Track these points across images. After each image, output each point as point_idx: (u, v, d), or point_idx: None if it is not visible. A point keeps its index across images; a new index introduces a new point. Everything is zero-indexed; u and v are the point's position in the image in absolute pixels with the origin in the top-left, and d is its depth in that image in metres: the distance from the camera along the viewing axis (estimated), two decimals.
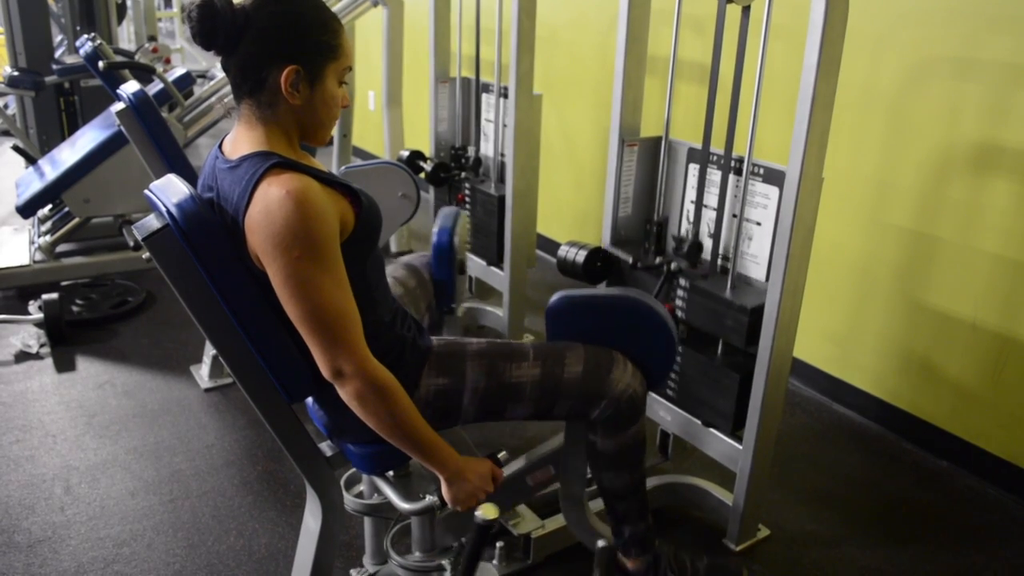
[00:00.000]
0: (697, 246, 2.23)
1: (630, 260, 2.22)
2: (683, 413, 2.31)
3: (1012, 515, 2.44)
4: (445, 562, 1.79)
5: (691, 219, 2.25)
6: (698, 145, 2.22)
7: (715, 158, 2.18)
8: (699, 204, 2.23)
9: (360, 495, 1.98)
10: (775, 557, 2.23)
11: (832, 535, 2.32)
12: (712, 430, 2.25)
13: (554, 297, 1.73)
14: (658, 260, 2.25)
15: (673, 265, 2.19)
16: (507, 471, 1.86)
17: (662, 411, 2.37)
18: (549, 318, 1.75)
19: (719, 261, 2.20)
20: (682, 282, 2.20)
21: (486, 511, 1.52)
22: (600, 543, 1.92)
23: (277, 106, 1.42)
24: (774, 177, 2.02)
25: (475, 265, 3.47)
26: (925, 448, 2.74)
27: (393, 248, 4.59)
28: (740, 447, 2.16)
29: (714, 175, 2.19)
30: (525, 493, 1.92)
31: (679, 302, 2.22)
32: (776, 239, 1.95)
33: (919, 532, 2.35)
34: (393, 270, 2.00)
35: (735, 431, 2.18)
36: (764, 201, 2.05)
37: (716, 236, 2.19)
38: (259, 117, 1.43)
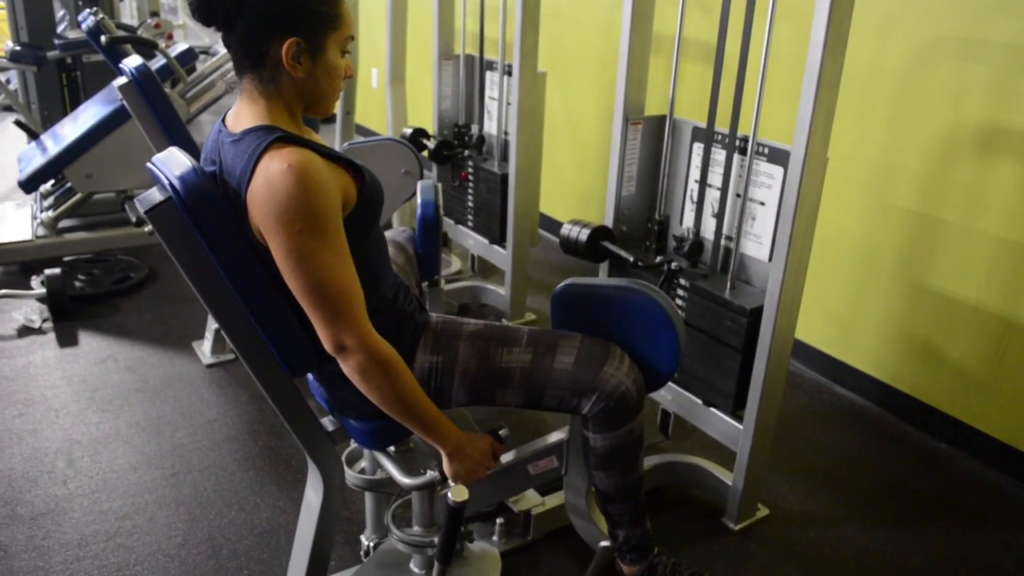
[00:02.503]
0: (698, 245, 2.23)
1: (631, 259, 2.21)
2: (684, 392, 2.32)
3: (1011, 498, 2.44)
4: (437, 539, 1.80)
5: (695, 200, 2.25)
6: (703, 124, 2.21)
7: (719, 137, 2.17)
8: (703, 183, 2.22)
9: (361, 470, 1.99)
10: (774, 536, 2.24)
11: (831, 515, 2.33)
12: (713, 409, 2.25)
13: (561, 285, 1.72)
14: (659, 259, 2.25)
15: (674, 264, 2.19)
16: (510, 460, 1.87)
17: (663, 390, 2.38)
18: (555, 305, 1.73)
19: (722, 242, 2.20)
20: (682, 281, 2.20)
21: (456, 493, 1.51)
22: (602, 543, 1.89)
23: (279, 80, 1.41)
24: (779, 157, 2.01)
25: (477, 244, 3.47)
26: (925, 430, 2.75)
27: (395, 225, 4.59)
28: (740, 427, 2.17)
29: (718, 154, 2.18)
30: (528, 481, 1.92)
31: (679, 301, 2.22)
32: (780, 219, 1.95)
33: (918, 514, 2.36)
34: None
35: (736, 411, 2.18)
36: (768, 181, 2.05)
37: (719, 216, 2.18)
38: (261, 91, 1.42)
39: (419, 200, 2.08)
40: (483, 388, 1.64)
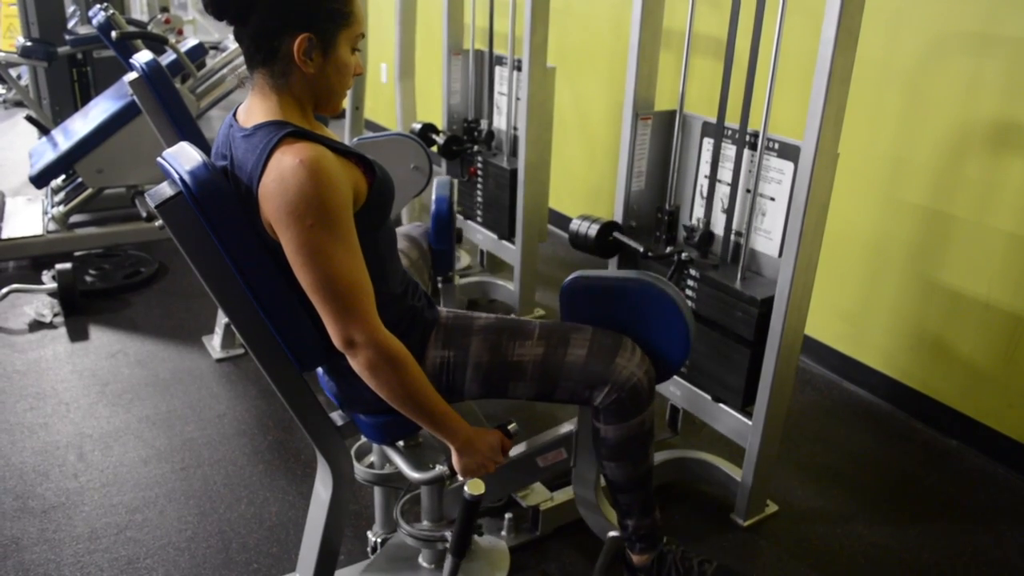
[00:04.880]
0: (708, 235, 2.23)
1: (641, 249, 2.21)
2: (693, 388, 2.31)
3: (1021, 495, 2.43)
4: (448, 533, 1.81)
5: (704, 196, 2.24)
6: (713, 119, 2.20)
7: (730, 132, 2.17)
8: (713, 179, 2.21)
9: (370, 465, 2.00)
10: (783, 533, 2.24)
11: (840, 512, 2.33)
12: (722, 405, 2.25)
13: (570, 277, 1.72)
14: (669, 249, 2.24)
15: (684, 255, 2.18)
16: (519, 452, 1.87)
17: (672, 386, 2.38)
18: (563, 298, 1.73)
19: (732, 237, 2.19)
20: (692, 272, 2.20)
21: (473, 487, 1.52)
22: (611, 533, 1.90)
23: (290, 75, 1.41)
24: (789, 152, 2.00)
25: (486, 239, 3.47)
26: (935, 427, 2.74)
27: (404, 220, 4.59)
28: (750, 423, 2.16)
29: (728, 150, 2.17)
30: (536, 473, 1.92)
31: (689, 292, 2.22)
32: (790, 215, 1.94)
33: (927, 511, 2.35)
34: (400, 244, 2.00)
35: (745, 407, 2.18)
36: (778, 176, 2.04)
37: (729, 212, 2.17)
38: (272, 86, 1.42)
39: (434, 196, 2.08)
40: (495, 381, 1.64)
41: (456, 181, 2.19)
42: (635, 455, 1.72)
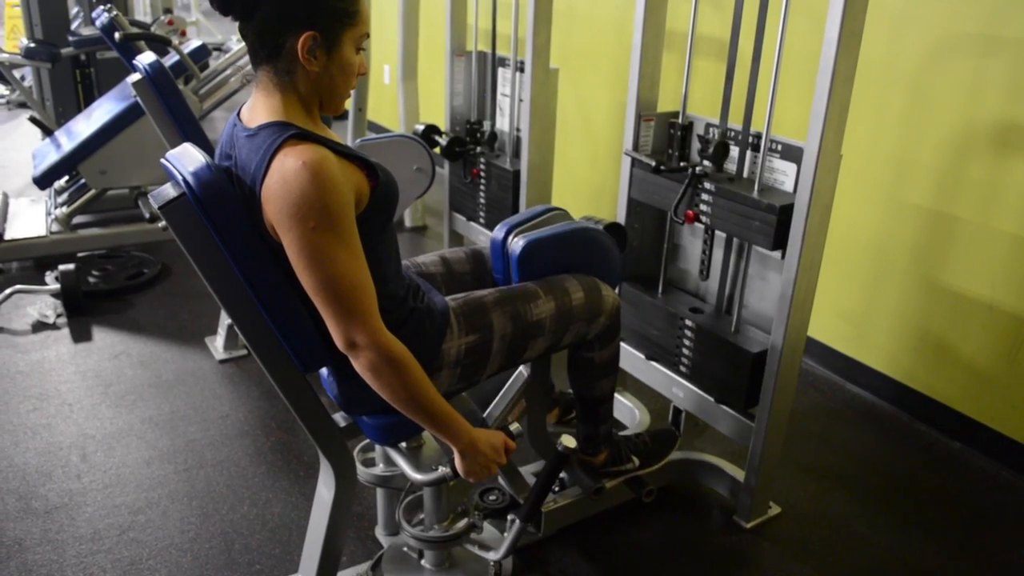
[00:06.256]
0: (723, 147, 2.16)
1: (653, 164, 2.19)
2: (696, 390, 2.31)
3: None
4: (475, 520, 1.87)
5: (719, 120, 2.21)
6: (716, 120, 2.20)
7: (733, 133, 2.17)
8: None
9: (373, 466, 1.99)
10: (785, 534, 2.23)
11: (843, 514, 2.33)
12: (724, 407, 2.24)
13: (520, 241, 1.79)
14: (682, 164, 2.22)
15: (698, 169, 2.15)
16: (491, 415, 1.86)
17: (675, 387, 2.37)
18: (522, 261, 1.80)
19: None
20: (707, 185, 2.16)
21: (567, 440, 1.69)
22: (561, 447, 1.79)
23: (294, 73, 1.41)
24: (792, 153, 2.00)
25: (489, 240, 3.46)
26: (938, 429, 2.73)
27: (407, 223, 4.59)
28: (752, 424, 2.16)
29: (731, 151, 2.17)
30: (508, 434, 1.90)
31: (703, 207, 2.18)
32: (793, 216, 1.94)
33: (930, 513, 2.35)
34: (452, 251, 1.95)
35: (748, 408, 2.18)
36: (782, 178, 2.04)
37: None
38: (276, 84, 1.43)
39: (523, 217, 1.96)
40: (518, 346, 1.73)
41: (564, 212, 1.99)
42: (616, 364, 2.00)
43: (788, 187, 2.02)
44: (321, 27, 1.38)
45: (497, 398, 1.85)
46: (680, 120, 2.27)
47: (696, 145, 2.26)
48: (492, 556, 1.87)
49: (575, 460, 2.08)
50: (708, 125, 2.22)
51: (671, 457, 2.23)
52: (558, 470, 1.77)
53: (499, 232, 1.85)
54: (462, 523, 1.83)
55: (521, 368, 1.86)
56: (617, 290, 2.04)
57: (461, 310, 1.67)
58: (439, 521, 1.82)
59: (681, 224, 2.29)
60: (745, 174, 2.17)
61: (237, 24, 1.42)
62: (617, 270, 1.96)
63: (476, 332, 1.67)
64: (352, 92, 1.52)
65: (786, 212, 1.97)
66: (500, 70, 3.30)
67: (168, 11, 5.98)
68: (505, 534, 1.83)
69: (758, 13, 2.02)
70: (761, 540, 2.21)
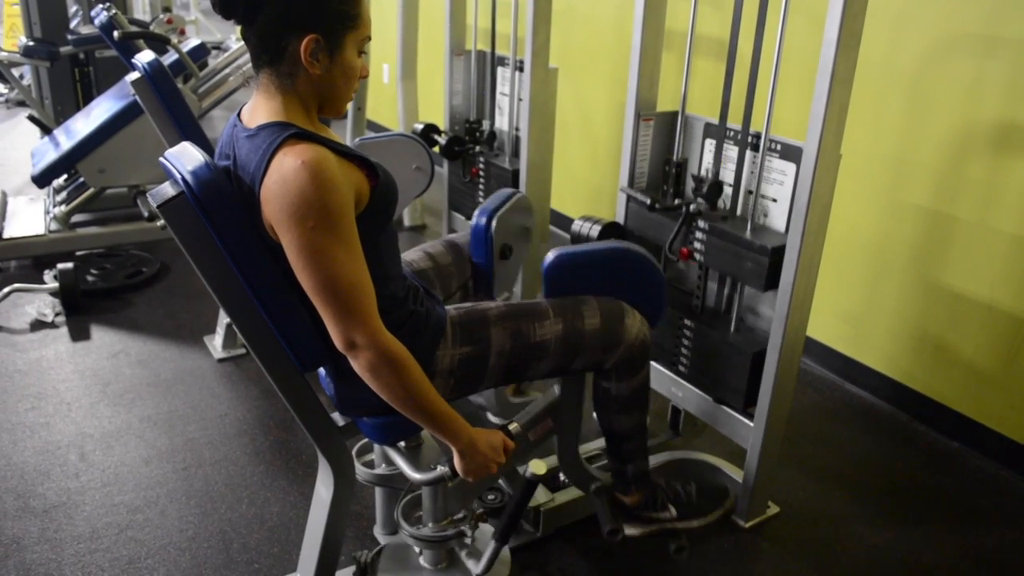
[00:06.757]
0: (717, 186, 2.18)
1: (648, 202, 2.20)
2: (695, 390, 2.31)
3: (1023, 497, 2.43)
4: (466, 528, 1.83)
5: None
6: (715, 120, 2.20)
7: (732, 133, 2.17)
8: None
9: (372, 465, 1.99)
10: (784, 534, 2.23)
11: (842, 513, 2.33)
12: (723, 407, 2.24)
13: (551, 255, 1.76)
14: (676, 202, 2.22)
15: (692, 207, 2.16)
16: (514, 427, 1.86)
17: (674, 387, 2.37)
18: (549, 275, 1.78)
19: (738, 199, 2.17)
20: (701, 224, 2.18)
21: (536, 467, 1.61)
22: (595, 485, 1.95)
23: (296, 76, 1.41)
24: (791, 153, 2.00)
25: None
26: (937, 429, 2.74)
27: (406, 222, 4.59)
28: (751, 424, 2.16)
29: (730, 151, 2.17)
30: (528, 449, 1.92)
31: (697, 244, 2.19)
32: (792, 216, 1.94)
33: (929, 513, 2.35)
34: (431, 245, 1.99)
35: (746, 408, 2.17)
36: (781, 178, 2.04)
37: (732, 210, 2.17)
38: (278, 86, 1.42)
39: (489, 204, 2.04)
40: (518, 365, 1.69)
41: (521, 195, 2.11)
42: (642, 402, 1.86)
43: (788, 187, 2.02)
44: (324, 30, 1.38)
45: (522, 412, 1.85)
46: (675, 157, 2.29)
47: (691, 183, 2.28)
48: (473, 571, 1.85)
49: (605, 493, 1.97)
50: (707, 128, 2.23)
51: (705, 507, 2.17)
52: (526, 499, 1.69)
53: (480, 219, 1.95)
54: (453, 529, 1.82)
55: (554, 386, 1.86)
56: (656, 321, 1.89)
57: (459, 320, 1.66)
58: (436, 521, 1.82)
59: (676, 261, 2.28)
60: (739, 211, 2.18)
61: (238, 26, 1.42)
62: (660, 299, 1.83)
63: (471, 344, 1.65)
64: (353, 95, 1.52)
65: (778, 253, 1.99)
66: (499, 69, 3.29)
67: (167, 10, 5.98)
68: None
69: (758, 13, 2.02)
70: (760, 540, 2.21)
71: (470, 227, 2.02)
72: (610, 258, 1.80)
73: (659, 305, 1.85)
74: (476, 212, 2.02)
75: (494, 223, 1.99)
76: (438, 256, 1.98)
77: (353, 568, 1.96)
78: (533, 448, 1.93)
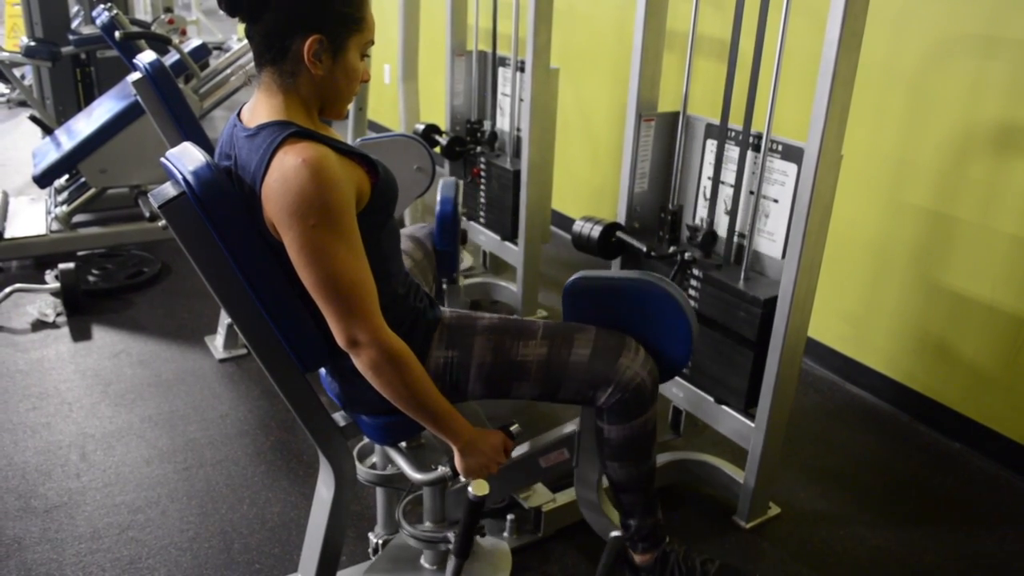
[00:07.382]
0: (711, 235, 2.22)
1: (644, 249, 2.21)
2: (696, 390, 2.31)
3: None
4: (451, 534, 1.80)
5: (708, 197, 2.24)
6: (716, 121, 2.20)
7: (733, 134, 2.17)
8: (716, 180, 2.21)
9: (373, 465, 1.99)
10: (785, 535, 2.23)
11: (843, 514, 2.32)
12: (724, 407, 2.24)
13: (572, 277, 1.71)
14: (672, 249, 2.24)
15: (687, 255, 2.18)
16: (522, 452, 1.86)
17: (675, 387, 2.37)
18: (566, 299, 1.73)
19: (735, 239, 2.19)
20: (695, 272, 2.20)
21: (477, 487, 1.51)
22: (613, 533, 1.89)
23: (298, 75, 1.41)
24: (792, 154, 2.00)
25: (489, 240, 3.47)
26: (938, 430, 2.73)
27: (407, 222, 4.59)
28: (752, 425, 2.16)
29: (732, 151, 2.17)
30: (538, 474, 1.92)
31: (692, 292, 2.22)
32: (793, 217, 1.94)
33: (930, 514, 2.35)
34: (402, 241, 2.00)
35: (748, 409, 2.17)
36: (782, 178, 2.04)
37: (732, 213, 2.17)
38: (279, 85, 1.43)
39: (439, 197, 2.07)
40: (499, 381, 1.64)
41: (461, 182, 2.17)
42: (638, 455, 1.72)
43: (789, 188, 2.02)
44: (328, 31, 1.39)
45: (542, 435, 1.84)
46: (671, 205, 2.30)
47: (686, 232, 2.31)
48: None
49: (616, 544, 1.86)
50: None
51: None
52: (473, 520, 1.58)
53: (446, 208, 2.02)
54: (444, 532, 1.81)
55: (577, 419, 1.83)
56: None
57: (449, 323, 1.66)
58: (437, 521, 1.82)
59: None
60: (733, 258, 2.20)
61: (240, 24, 1.42)
62: (682, 344, 1.67)
63: (455, 349, 1.63)
64: (354, 98, 1.52)
65: (770, 305, 2.00)
66: (500, 70, 3.30)
67: (168, 10, 5.99)
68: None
69: (759, 13, 2.02)
70: (761, 540, 2.21)
71: (436, 217, 2.06)
72: (631, 290, 1.67)
73: (682, 351, 1.68)
74: (439, 202, 2.05)
75: (460, 211, 2.06)
76: (412, 254, 1.99)
77: (353, 568, 1.97)
78: (544, 475, 1.92)
